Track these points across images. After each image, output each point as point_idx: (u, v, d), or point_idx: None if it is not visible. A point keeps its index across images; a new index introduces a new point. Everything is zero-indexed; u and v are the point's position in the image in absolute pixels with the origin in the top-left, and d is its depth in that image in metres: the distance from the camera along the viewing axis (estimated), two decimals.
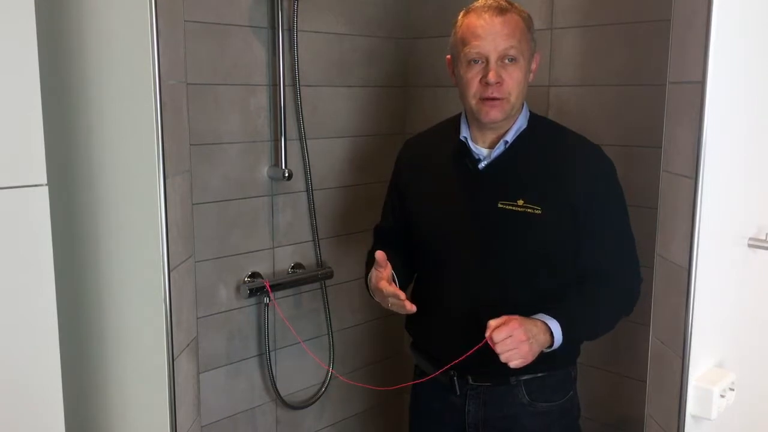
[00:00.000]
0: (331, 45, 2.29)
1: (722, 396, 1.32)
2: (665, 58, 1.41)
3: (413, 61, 2.53)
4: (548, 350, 1.49)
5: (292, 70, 2.16)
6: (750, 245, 1.38)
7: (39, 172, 1.10)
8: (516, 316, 1.43)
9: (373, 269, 1.58)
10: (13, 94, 1.06)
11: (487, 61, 1.51)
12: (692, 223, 1.27)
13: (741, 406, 1.39)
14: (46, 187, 1.10)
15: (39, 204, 1.10)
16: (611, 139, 1.97)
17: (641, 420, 1.53)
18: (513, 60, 1.51)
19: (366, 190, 2.45)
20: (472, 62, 1.52)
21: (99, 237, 1.31)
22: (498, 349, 1.40)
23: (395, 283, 1.57)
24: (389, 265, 1.54)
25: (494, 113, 1.54)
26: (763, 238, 1.38)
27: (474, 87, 1.53)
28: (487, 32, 1.50)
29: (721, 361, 1.38)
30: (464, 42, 1.53)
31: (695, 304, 1.28)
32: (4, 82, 1.05)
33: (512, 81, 1.52)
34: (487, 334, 1.41)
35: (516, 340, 1.40)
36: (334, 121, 2.34)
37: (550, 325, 1.47)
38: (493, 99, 1.52)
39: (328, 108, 2.32)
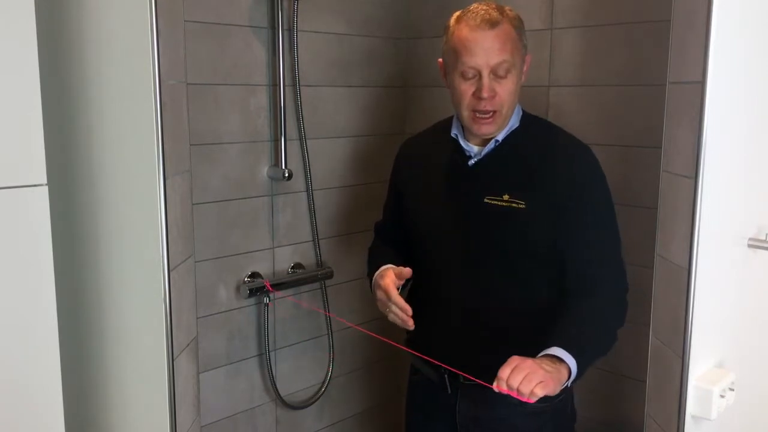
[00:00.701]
0: (331, 45, 2.29)
1: (722, 396, 1.32)
2: (665, 58, 1.41)
3: (413, 61, 2.53)
4: (570, 380, 1.42)
5: (292, 70, 2.16)
6: (750, 245, 1.38)
7: (39, 172, 1.10)
8: (514, 356, 1.37)
9: (387, 269, 1.61)
10: (13, 94, 1.06)
11: (480, 75, 1.51)
12: (692, 223, 1.27)
13: (741, 406, 1.39)
14: (46, 187, 1.10)
15: (39, 204, 1.10)
16: (611, 139, 1.97)
17: (641, 420, 1.53)
18: (505, 73, 1.52)
19: (366, 190, 2.45)
20: (465, 75, 1.53)
21: (99, 237, 1.31)
22: (512, 384, 1.31)
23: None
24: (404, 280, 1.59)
25: (486, 128, 1.56)
26: (763, 238, 1.38)
27: (467, 99, 1.54)
28: (479, 47, 1.50)
29: (721, 361, 1.38)
30: (456, 54, 1.53)
31: (695, 304, 1.28)
32: (4, 82, 1.05)
33: (504, 93, 1.53)
34: (494, 386, 1.34)
35: (522, 367, 1.33)
36: (334, 121, 2.34)
37: (550, 352, 1.41)
38: (486, 113, 1.53)
39: (328, 108, 2.32)
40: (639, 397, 1.60)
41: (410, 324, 1.53)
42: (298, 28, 2.14)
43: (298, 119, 2.20)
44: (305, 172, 2.25)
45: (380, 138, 2.49)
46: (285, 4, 2.11)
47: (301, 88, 2.18)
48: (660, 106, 1.44)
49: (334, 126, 2.34)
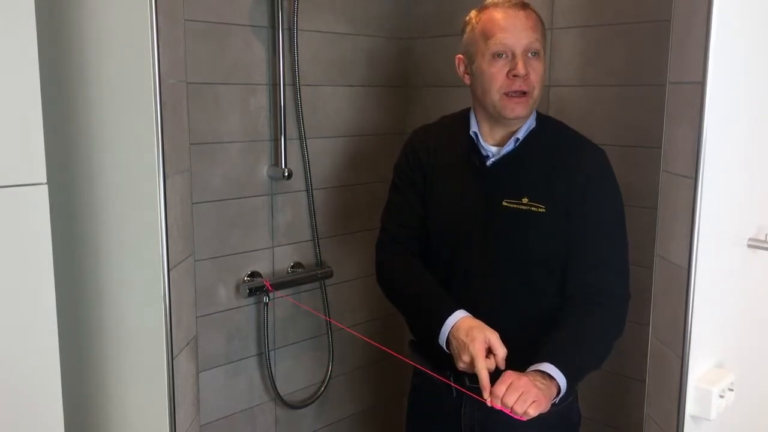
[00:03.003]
0: (331, 44, 2.29)
1: (721, 396, 1.32)
2: (665, 58, 1.41)
3: (413, 60, 2.53)
4: (559, 399, 1.42)
5: (292, 70, 2.16)
6: (750, 245, 1.38)
7: (39, 171, 1.09)
8: (508, 371, 1.38)
9: (475, 328, 1.45)
10: (13, 93, 1.06)
11: (513, 55, 1.50)
12: (692, 223, 1.27)
13: (740, 406, 1.39)
14: (46, 186, 1.10)
15: (39, 203, 1.10)
16: (611, 139, 1.97)
17: (641, 420, 1.53)
18: (536, 53, 1.51)
19: (366, 190, 2.46)
20: (497, 56, 1.51)
21: (99, 236, 1.31)
22: (507, 402, 1.32)
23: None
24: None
25: (519, 109, 1.52)
26: (763, 238, 1.38)
27: (499, 81, 1.51)
28: (513, 25, 1.49)
29: (721, 362, 1.38)
30: (487, 36, 1.51)
31: (695, 304, 1.29)
32: (4, 82, 1.05)
33: (536, 75, 1.51)
34: (487, 400, 1.35)
35: (518, 385, 1.33)
36: (334, 120, 2.34)
37: (542, 368, 1.40)
38: (520, 94, 1.51)
39: (328, 107, 2.32)
40: (639, 397, 1.60)
41: (485, 397, 1.38)
42: (299, 28, 2.14)
43: (298, 119, 2.20)
44: (305, 171, 2.25)
45: (380, 137, 2.49)
46: (285, 3, 2.11)
47: (301, 87, 2.18)
48: (660, 106, 1.44)
49: (334, 125, 2.34)
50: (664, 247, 1.41)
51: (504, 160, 1.58)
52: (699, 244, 1.27)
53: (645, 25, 1.92)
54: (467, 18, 1.59)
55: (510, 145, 1.57)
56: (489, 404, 1.35)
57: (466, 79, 1.61)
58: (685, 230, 1.29)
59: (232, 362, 2.17)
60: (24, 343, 1.11)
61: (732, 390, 1.35)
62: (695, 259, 1.27)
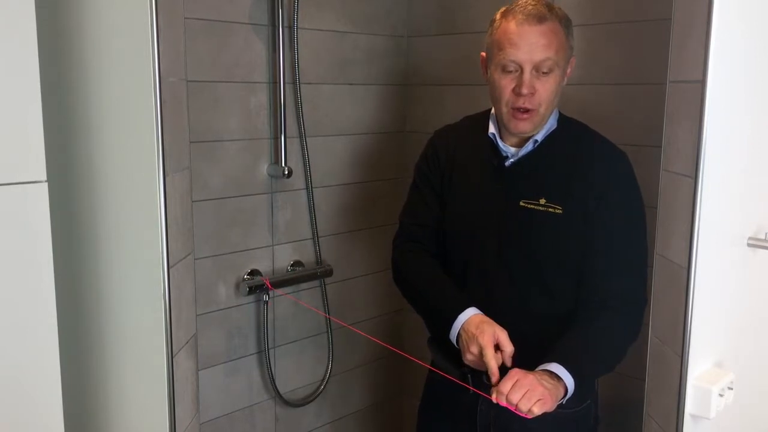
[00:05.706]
0: (332, 43, 2.29)
1: (721, 395, 1.32)
2: (665, 57, 1.41)
3: (414, 59, 2.53)
4: (566, 398, 1.41)
5: (293, 68, 2.16)
6: (750, 245, 1.38)
7: (39, 169, 1.10)
8: (515, 369, 1.39)
9: (485, 324, 1.47)
10: (13, 91, 1.06)
11: (522, 70, 1.48)
12: (692, 223, 1.27)
13: (740, 405, 1.40)
14: (46, 184, 1.10)
15: (39, 201, 1.10)
16: (611, 138, 1.96)
17: (641, 419, 1.53)
18: (548, 71, 1.48)
19: (366, 188, 2.46)
20: (506, 69, 1.49)
21: (99, 234, 1.31)
22: (512, 399, 1.33)
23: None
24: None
25: (523, 126, 1.52)
26: (763, 237, 1.38)
27: (506, 95, 1.51)
28: (524, 42, 1.46)
29: (720, 361, 1.39)
30: (499, 47, 1.49)
31: (695, 303, 1.29)
32: (4, 80, 1.05)
33: (545, 92, 1.49)
34: (493, 398, 1.36)
35: (523, 383, 1.34)
36: (334, 118, 2.34)
37: (550, 368, 1.41)
38: (524, 111, 1.50)
39: (328, 106, 2.32)
40: (639, 396, 1.60)
41: (492, 383, 1.41)
42: (299, 26, 2.14)
43: (298, 117, 2.20)
44: (305, 169, 2.25)
45: (380, 136, 2.49)
46: (285, 1, 2.11)
47: (302, 85, 2.17)
48: (660, 106, 1.44)
49: (334, 124, 2.34)
50: (664, 246, 1.41)
51: (522, 161, 1.57)
52: (699, 243, 1.27)
53: (645, 24, 1.92)
54: (493, 17, 1.55)
55: (529, 146, 1.57)
56: (494, 401, 1.36)
57: (486, 78, 1.59)
58: (685, 229, 1.29)
59: (232, 360, 2.17)
60: (24, 341, 1.11)
61: (731, 389, 1.35)
62: (695, 259, 1.27)
